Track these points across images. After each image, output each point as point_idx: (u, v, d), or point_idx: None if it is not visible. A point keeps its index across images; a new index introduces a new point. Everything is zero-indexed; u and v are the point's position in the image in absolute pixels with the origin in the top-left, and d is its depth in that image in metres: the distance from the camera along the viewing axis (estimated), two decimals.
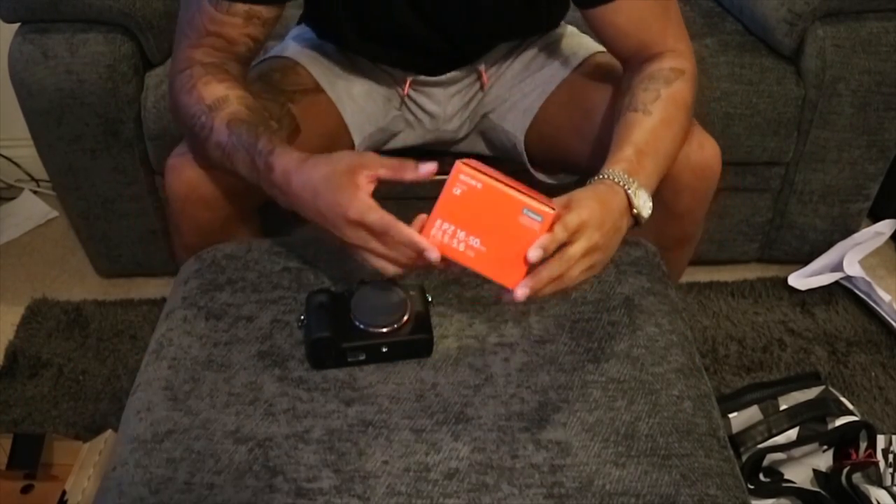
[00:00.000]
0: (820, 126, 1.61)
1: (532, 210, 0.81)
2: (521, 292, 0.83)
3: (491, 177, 0.82)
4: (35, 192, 2.13)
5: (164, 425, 0.86)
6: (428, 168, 0.86)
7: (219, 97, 1.02)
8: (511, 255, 0.82)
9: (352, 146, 1.29)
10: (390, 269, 0.89)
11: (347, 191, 0.86)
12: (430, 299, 0.97)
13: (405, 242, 0.85)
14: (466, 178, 0.81)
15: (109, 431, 1.40)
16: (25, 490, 1.31)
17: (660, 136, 1.02)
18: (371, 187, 0.88)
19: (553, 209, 0.83)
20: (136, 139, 1.57)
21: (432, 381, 0.90)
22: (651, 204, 0.96)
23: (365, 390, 0.89)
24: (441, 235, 0.83)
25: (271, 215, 1.16)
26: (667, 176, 1.05)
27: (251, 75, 1.18)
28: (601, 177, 0.94)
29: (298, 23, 1.42)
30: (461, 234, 0.82)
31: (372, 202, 0.86)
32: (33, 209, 2.09)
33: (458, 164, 0.81)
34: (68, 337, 1.69)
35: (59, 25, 1.49)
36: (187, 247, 1.15)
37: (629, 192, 0.93)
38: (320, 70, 1.28)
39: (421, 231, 0.84)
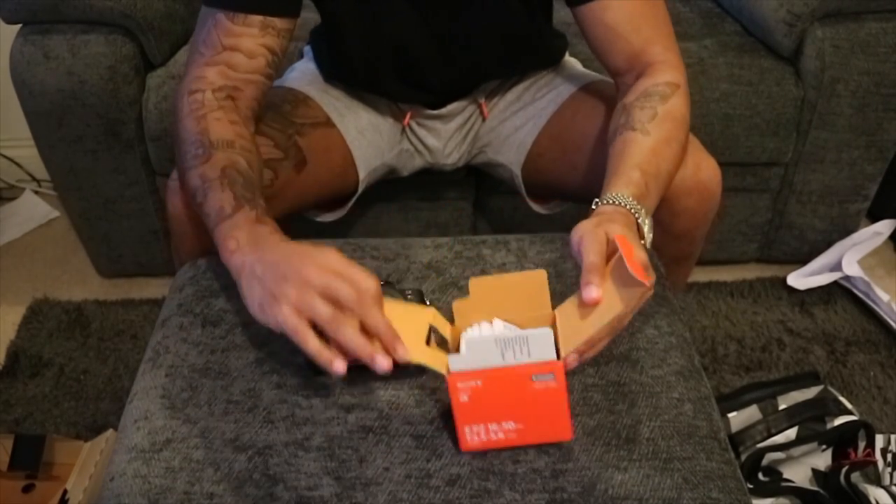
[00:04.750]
0: (819, 127, 1.62)
1: (540, 373, 0.79)
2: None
3: (481, 369, 0.78)
4: (36, 193, 2.14)
5: (162, 434, 0.85)
6: (384, 366, 0.80)
7: (225, 139, 0.99)
8: (549, 415, 0.81)
9: (357, 179, 1.29)
10: (336, 361, 0.79)
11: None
12: (427, 303, 0.95)
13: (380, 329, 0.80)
14: (464, 384, 0.78)
15: (110, 431, 1.40)
16: (27, 489, 1.32)
17: (661, 156, 0.99)
18: None
19: (557, 360, 0.80)
20: (138, 140, 1.57)
21: (432, 386, 0.89)
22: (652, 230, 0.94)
23: (364, 396, 0.88)
24: (476, 439, 0.81)
25: None
26: (665, 198, 1.04)
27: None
28: (609, 201, 0.91)
29: (300, 56, 1.42)
30: (493, 427, 0.80)
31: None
32: (34, 209, 2.09)
33: (449, 378, 0.78)
34: (69, 337, 1.69)
35: (60, 27, 1.49)
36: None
37: (639, 221, 0.91)
38: (330, 103, 1.27)
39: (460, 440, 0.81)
